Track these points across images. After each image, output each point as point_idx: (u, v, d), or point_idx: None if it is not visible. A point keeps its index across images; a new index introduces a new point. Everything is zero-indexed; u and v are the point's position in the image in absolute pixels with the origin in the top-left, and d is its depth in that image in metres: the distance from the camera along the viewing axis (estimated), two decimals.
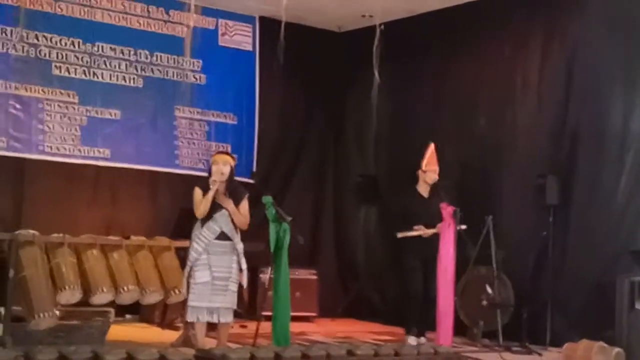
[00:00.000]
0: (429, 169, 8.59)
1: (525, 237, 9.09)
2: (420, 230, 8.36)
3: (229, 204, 7.02)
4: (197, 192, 7.06)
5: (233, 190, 7.11)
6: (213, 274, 6.94)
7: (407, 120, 10.62)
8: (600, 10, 8.80)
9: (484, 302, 8.88)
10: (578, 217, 8.78)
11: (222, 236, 7.02)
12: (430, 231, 8.36)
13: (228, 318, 7.08)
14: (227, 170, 7.07)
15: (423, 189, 8.65)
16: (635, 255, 8.31)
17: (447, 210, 8.32)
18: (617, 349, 7.63)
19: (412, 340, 8.34)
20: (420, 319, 8.51)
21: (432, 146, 8.62)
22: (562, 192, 8.77)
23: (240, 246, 7.07)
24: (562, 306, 8.70)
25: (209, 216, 7.01)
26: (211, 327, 7.22)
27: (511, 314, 8.78)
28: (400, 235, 8.41)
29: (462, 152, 9.86)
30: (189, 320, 7.08)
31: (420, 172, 8.62)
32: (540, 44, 9.34)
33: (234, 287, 7.03)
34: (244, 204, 7.12)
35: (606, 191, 8.63)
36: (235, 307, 7.10)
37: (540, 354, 8.23)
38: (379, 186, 10.96)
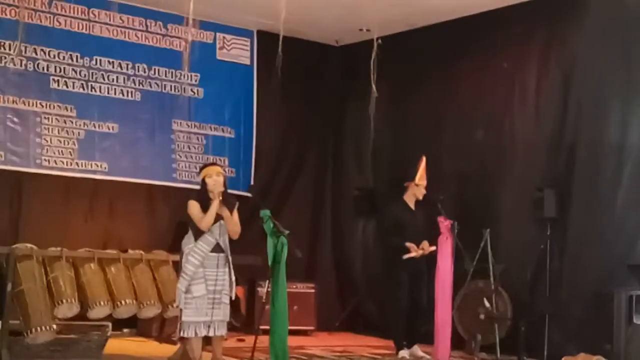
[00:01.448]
0: (421, 184, 8.60)
1: (523, 250, 9.05)
2: (413, 251, 8.34)
3: (225, 210, 7.01)
4: (195, 204, 7.02)
5: (225, 199, 7.10)
6: (208, 287, 6.92)
7: (405, 134, 10.62)
8: (598, 24, 8.80)
9: (482, 316, 8.86)
10: (576, 230, 8.77)
11: (217, 248, 7.00)
12: (420, 252, 8.37)
13: (222, 331, 7.06)
14: (222, 180, 7.08)
15: (410, 201, 8.64)
16: (633, 269, 8.30)
17: (444, 224, 8.31)
18: None
19: (405, 353, 8.29)
20: (409, 332, 8.48)
21: (424, 159, 8.62)
22: (559, 205, 8.76)
23: (230, 258, 7.07)
24: (559, 319, 8.67)
25: None
26: (206, 340, 7.19)
27: (509, 328, 8.77)
28: (405, 257, 8.37)
29: (460, 165, 9.86)
30: (186, 336, 6.99)
31: (412, 184, 8.62)
32: (538, 57, 9.34)
33: (227, 300, 7.02)
34: (235, 213, 7.12)
35: (604, 204, 8.62)
36: (228, 319, 7.09)
37: None
38: (377, 200, 10.93)
